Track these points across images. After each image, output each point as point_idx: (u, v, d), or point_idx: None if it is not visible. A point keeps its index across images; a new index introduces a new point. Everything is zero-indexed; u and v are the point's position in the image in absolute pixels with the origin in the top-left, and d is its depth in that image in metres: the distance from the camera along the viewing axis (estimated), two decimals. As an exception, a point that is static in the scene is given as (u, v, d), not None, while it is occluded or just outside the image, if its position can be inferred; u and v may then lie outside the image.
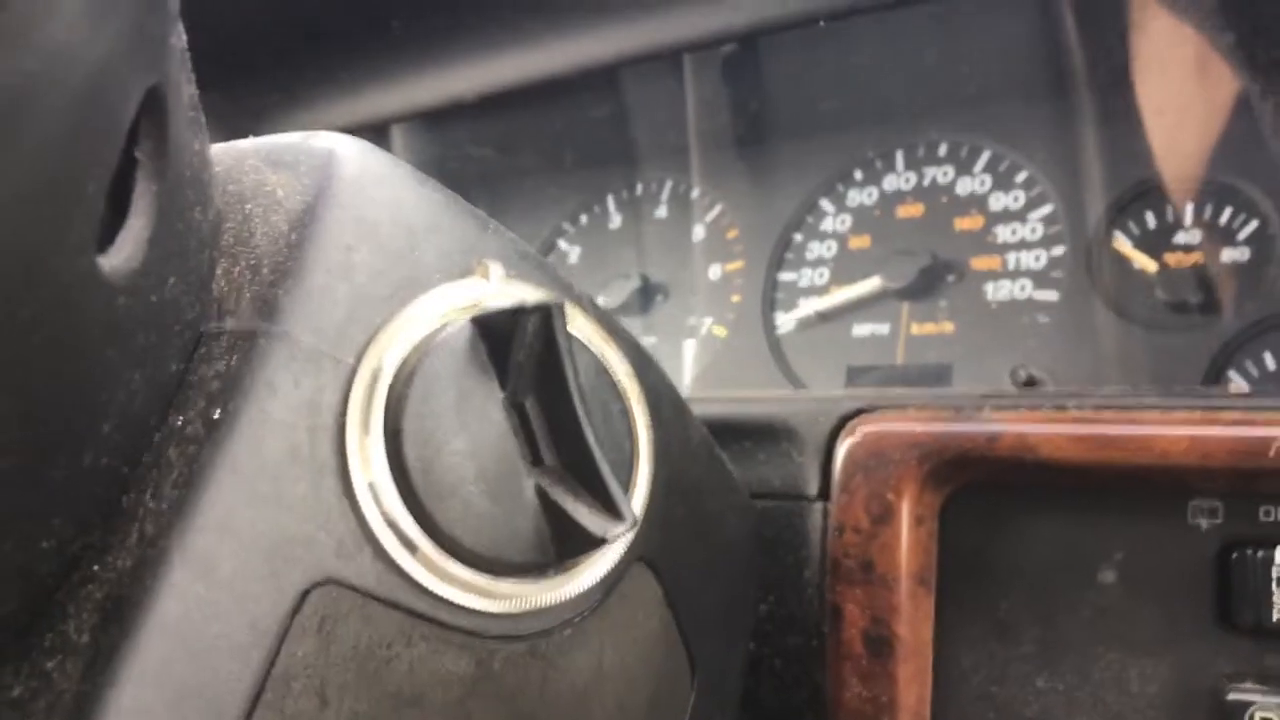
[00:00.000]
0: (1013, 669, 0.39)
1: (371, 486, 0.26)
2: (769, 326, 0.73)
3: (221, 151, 0.30)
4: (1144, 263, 0.62)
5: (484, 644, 0.29)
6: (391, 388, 0.27)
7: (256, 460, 0.25)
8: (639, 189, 0.81)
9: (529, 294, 0.31)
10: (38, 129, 0.18)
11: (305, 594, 0.25)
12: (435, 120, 0.80)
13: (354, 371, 0.27)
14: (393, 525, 0.26)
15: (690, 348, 0.75)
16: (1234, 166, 0.61)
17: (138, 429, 0.24)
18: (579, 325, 0.32)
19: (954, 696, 0.40)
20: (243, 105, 0.75)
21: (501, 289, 0.30)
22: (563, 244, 0.82)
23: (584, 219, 0.82)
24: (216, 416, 0.25)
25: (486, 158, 0.83)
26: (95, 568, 0.24)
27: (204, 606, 0.23)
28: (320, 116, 0.76)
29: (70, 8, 0.18)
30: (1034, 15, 0.66)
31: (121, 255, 0.22)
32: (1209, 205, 0.61)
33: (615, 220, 0.81)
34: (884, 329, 0.69)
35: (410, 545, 0.27)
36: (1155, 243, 0.62)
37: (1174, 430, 0.36)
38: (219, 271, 0.27)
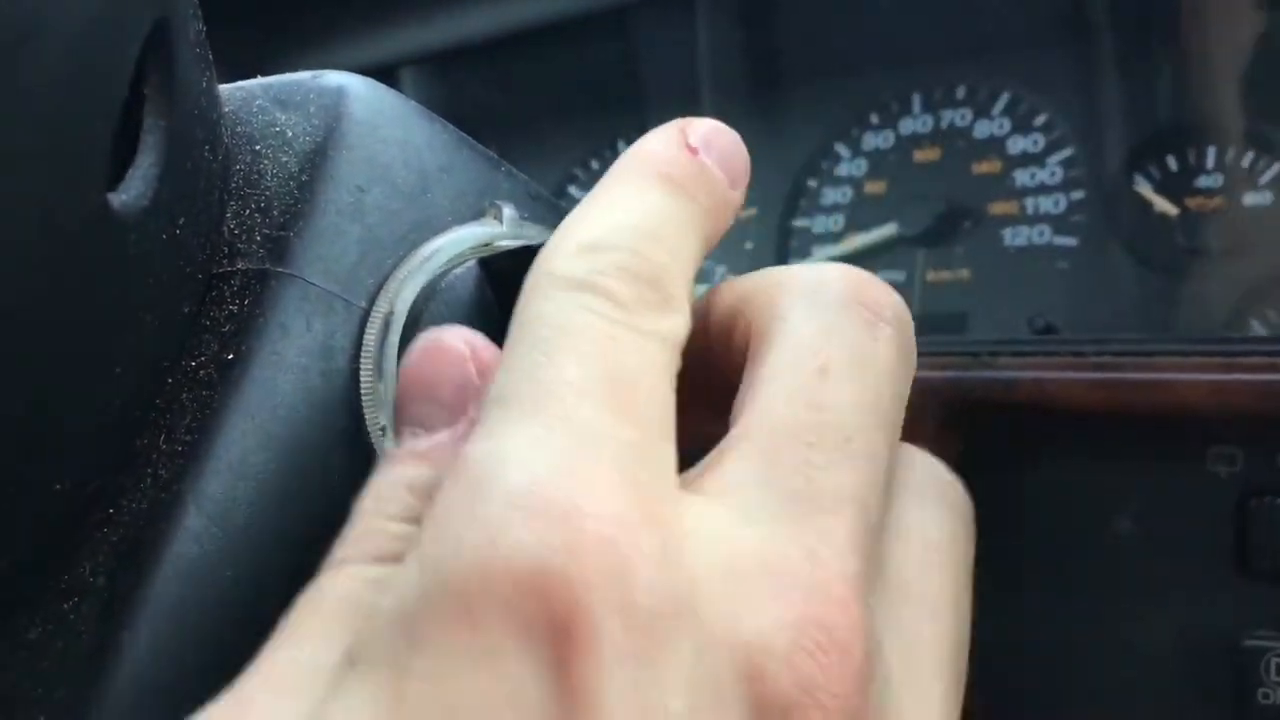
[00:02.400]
0: (1027, 617, 0.39)
1: (385, 430, 0.26)
2: (783, 273, 0.72)
3: (229, 92, 0.30)
4: (1164, 206, 0.61)
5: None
6: (404, 331, 0.27)
7: (269, 403, 0.24)
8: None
9: (540, 235, 0.30)
10: (42, 67, 0.18)
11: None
12: (444, 63, 0.79)
13: (366, 315, 0.26)
14: (406, 469, 0.26)
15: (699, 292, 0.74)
16: (1256, 109, 0.59)
17: (150, 371, 0.24)
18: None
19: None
20: (249, 48, 0.74)
21: (514, 230, 0.30)
22: (573, 190, 0.82)
23: (595, 164, 0.81)
24: (229, 359, 0.25)
25: (495, 102, 0.82)
26: (110, 511, 0.23)
27: (219, 550, 0.23)
28: (328, 59, 0.75)
29: None
30: (1056, -46, 0.65)
31: (131, 193, 0.22)
32: (1231, 149, 0.60)
33: (627, 165, 0.80)
34: (900, 276, 0.68)
35: (424, 490, 0.27)
36: (1176, 187, 0.61)
37: (1193, 376, 0.36)
38: (229, 213, 0.27)
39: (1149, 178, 0.62)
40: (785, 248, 0.73)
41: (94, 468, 0.23)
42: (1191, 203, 0.60)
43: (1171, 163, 0.61)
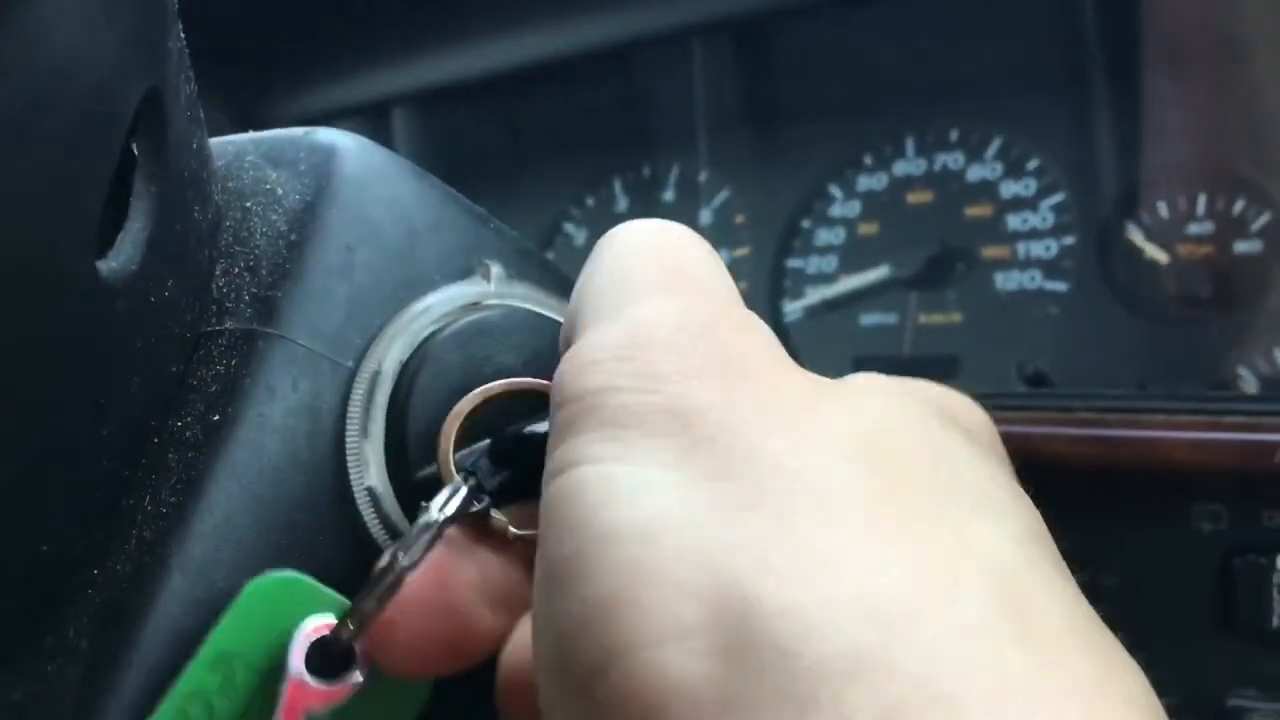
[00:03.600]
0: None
1: (370, 492, 0.26)
2: (776, 314, 0.73)
3: (220, 146, 0.30)
4: (1154, 254, 0.61)
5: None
6: (392, 392, 0.27)
7: (255, 465, 0.25)
8: (646, 172, 0.80)
9: (528, 293, 0.31)
10: (38, 143, 0.18)
11: None
12: (439, 102, 0.80)
13: (353, 375, 0.27)
14: (392, 532, 0.26)
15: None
16: (1248, 158, 0.60)
17: (137, 432, 0.24)
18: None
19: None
20: (244, 85, 0.74)
21: (502, 289, 0.30)
22: (569, 227, 0.82)
23: (590, 201, 0.82)
24: (215, 420, 0.25)
25: (490, 140, 0.83)
26: (95, 572, 0.24)
27: (202, 612, 0.23)
28: (323, 96, 0.76)
29: (70, 23, 0.18)
30: (1050, 1, 0.65)
31: (121, 259, 0.22)
32: (1221, 197, 0.60)
33: (622, 203, 0.81)
34: (892, 319, 0.68)
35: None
36: (1167, 234, 0.61)
37: (1179, 434, 0.36)
38: (218, 271, 0.27)
39: (1140, 224, 0.62)
40: (778, 287, 0.73)
41: (79, 529, 0.23)
42: (1182, 250, 0.60)
43: (1163, 209, 0.62)
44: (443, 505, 0.25)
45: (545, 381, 0.27)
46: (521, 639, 0.25)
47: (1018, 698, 0.15)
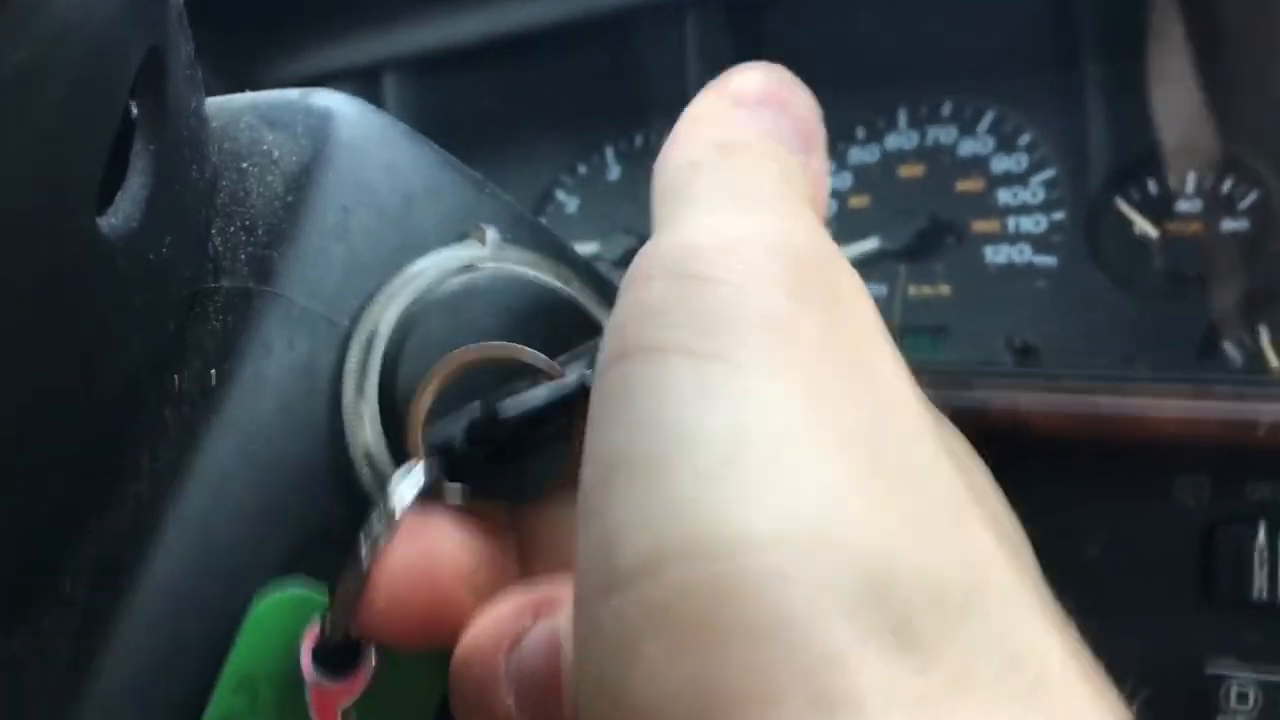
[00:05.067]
0: (996, 635, 0.40)
1: (366, 450, 0.26)
2: (766, 284, 0.73)
3: (217, 106, 0.30)
4: (1144, 227, 0.61)
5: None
6: (387, 352, 0.27)
7: (252, 422, 0.25)
8: (638, 140, 0.80)
9: (521, 258, 0.31)
10: (41, 105, 0.18)
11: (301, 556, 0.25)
12: (430, 68, 0.79)
13: (349, 335, 0.27)
14: (386, 489, 0.27)
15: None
16: (1238, 136, 0.60)
17: (134, 389, 0.24)
18: (574, 289, 0.32)
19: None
20: (236, 48, 0.74)
21: (497, 253, 0.30)
22: (560, 195, 0.82)
23: (582, 169, 0.82)
24: (212, 377, 0.25)
25: (482, 106, 0.82)
26: (92, 528, 0.24)
27: (198, 568, 0.24)
28: (314, 60, 0.75)
29: None
30: (1044, -24, 0.65)
31: (120, 215, 0.22)
32: (1211, 175, 0.61)
33: (614, 171, 0.81)
34: (881, 290, 0.69)
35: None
36: (1156, 210, 0.62)
37: (1164, 404, 0.36)
38: (214, 230, 0.27)
39: (1130, 200, 0.62)
40: (769, 258, 0.73)
41: (76, 484, 0.24)
42: (1171, 227, 0.61)
43: (1152, 186, 0.62)
44: (400, 489, 0.25)
45: (522, 347, 0.27)
46: (482, 628, 0.25)
47: None
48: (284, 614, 0.25)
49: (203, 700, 0.24)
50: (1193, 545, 0.37)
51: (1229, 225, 0.59)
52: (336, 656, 0.25)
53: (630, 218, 0.79)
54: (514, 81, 0.81)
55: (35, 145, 0.18)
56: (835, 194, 0.73)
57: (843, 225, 0.71)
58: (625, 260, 0.77)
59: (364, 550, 0.24)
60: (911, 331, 0.66)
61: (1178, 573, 0.37)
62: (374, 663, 0.26)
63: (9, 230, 0.18)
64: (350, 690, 0.25)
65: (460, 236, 0.30)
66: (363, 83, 0.77)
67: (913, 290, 0.67)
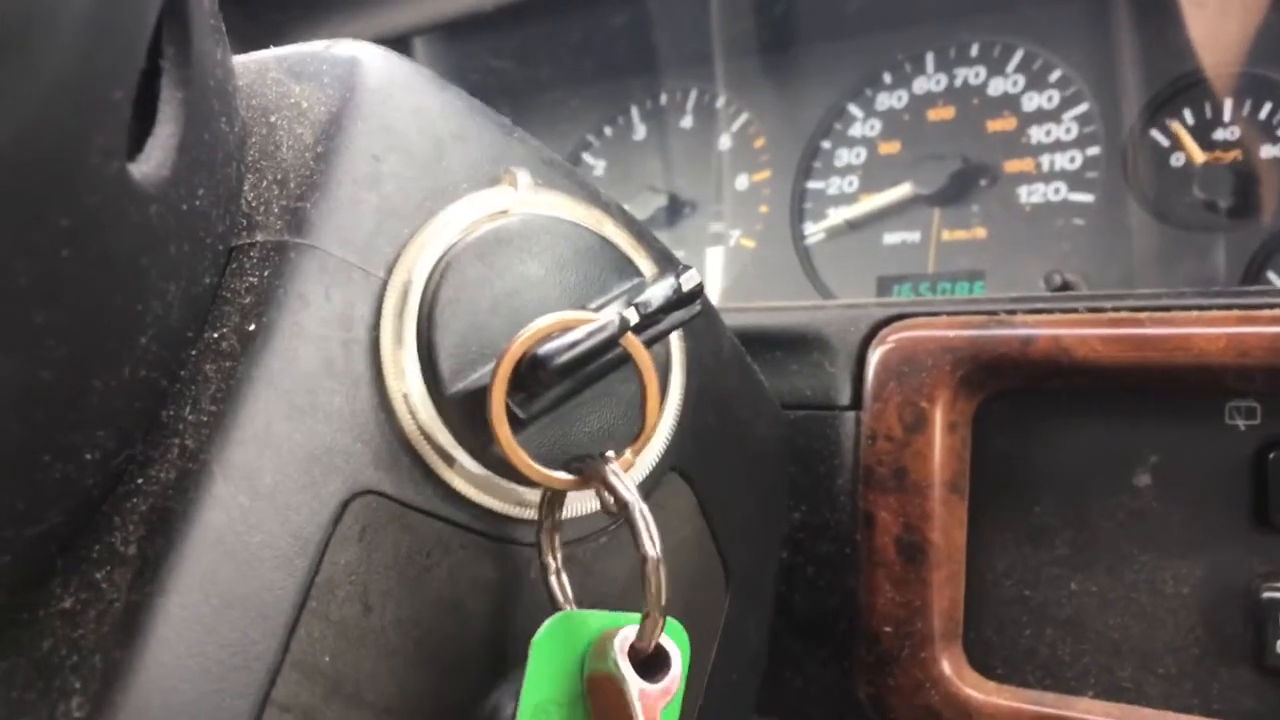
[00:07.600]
0: (1045, 573, 0.39)
1: (406, 398, 0.26)
2: (798, 236, 0.72)
3: (242, 63, 0.30)
4: (1186, 155, 0.60)
5: (520, 551, 0.29)
6: (422, 299, 0.27)
7: (292, 373, 0.25)
8: (663, 99, 0.80)
9: (557, 201, 0.30)
10: (59, 38, 0.18)
11: (345, 504, 0.25)
12: (455, 32, 0.79)
13: (385, 284, 0.27)
14: (428, 437, 0.27)
15: (717, 255, 0.74)
16: (1275, 60, 0.59)
17: (175, 342, 0.24)
18: (608, 232, 0.31)
19: (987, 601, 0.40)
20: (260, 21, 0.74)
21: (529, 197, 0.30)
22: (587, 157, 0.82)
23: (608, 131, 0.81)
24: (251, 330, 0.25)
25: (507, 70, 0.82)
26: (139, 481, 0.24)
27: (246, 517, 0.24)
28: (339, 30, 0.75)
29: None
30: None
31: (151, 163, 0.22)
32: (1249, 100, 0.59)
33: (640, 131, 0.80)
34: (915, 236, 0.68)
35: (447, 457, 0.27)
36: (1194, 139, 0.60)
37: (1211, 329, 0.36)
38: (246, 185, 0.27)
39: (1165, 132, 0.61)
40: (799, 210, 0.73)
41: (122, 438, 0.24)
42: (1209, 155, 0.59)
43: (1188, 116, 0.61)
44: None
45: (591, 315, 0.27)
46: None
47: None
48: (555, 641, 0.27)
49: (257, 648, 0.24)
50: (1244, 470, 0.36)
51: (1269, 152, 0.58)
52: (650, 662, 0.27)
53: (657, 175, 0.79)
54: (539, 44, 0.80)
55: (56, 82, 0.18)
56: (864, 141, 0.72)
57: (874, 172, 0.71)
58: (653, 220, 0.77)
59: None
60: (947, 278, 0.66)
61: (1229, 499, 0.37)
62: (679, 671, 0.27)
63: (40, 170, 0.18)
64: (666, 695, 0.27)
65: (491, 181, 0.29)
66: (391, 50, 0.76)
67: (947, 234, 0.67)
